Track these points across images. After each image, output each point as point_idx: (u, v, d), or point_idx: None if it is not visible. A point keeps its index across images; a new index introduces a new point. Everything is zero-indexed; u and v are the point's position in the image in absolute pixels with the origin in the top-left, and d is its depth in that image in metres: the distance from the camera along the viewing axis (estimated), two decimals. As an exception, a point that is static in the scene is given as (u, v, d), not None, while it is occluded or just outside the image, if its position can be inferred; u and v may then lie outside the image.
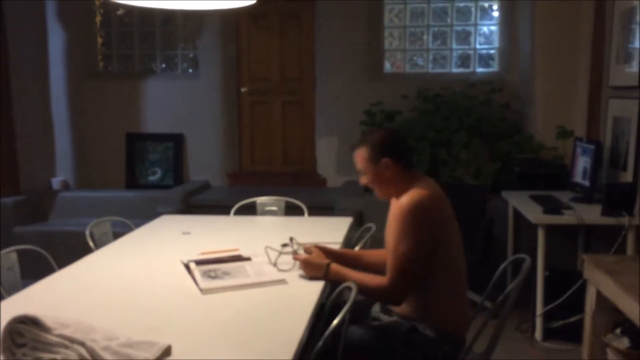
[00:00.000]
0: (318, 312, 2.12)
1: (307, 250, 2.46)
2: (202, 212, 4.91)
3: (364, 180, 2.34)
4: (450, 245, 2.23)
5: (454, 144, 4.81)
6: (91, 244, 3.07)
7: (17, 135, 5.21)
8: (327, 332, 1.78)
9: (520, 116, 5.17)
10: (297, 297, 2.20)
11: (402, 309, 2.31)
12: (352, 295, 1.97)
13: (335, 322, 1.80)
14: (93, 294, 2.25)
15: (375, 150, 2.27)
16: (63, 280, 2.40)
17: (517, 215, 4.37)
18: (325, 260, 2.35)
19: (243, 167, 5.90)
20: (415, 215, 2.13)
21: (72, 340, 1.52)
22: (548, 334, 3.71)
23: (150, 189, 5.68)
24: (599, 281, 2.74)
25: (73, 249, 3.04)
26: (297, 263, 2.42)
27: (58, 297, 2.19)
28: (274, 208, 3.68)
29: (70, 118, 5.76)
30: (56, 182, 5.72)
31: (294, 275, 2.39)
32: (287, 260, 2.49)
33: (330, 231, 3.13)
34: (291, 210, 3.76)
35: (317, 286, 2.28)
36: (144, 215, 4.78)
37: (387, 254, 2.30)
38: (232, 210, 3.65)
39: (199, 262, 2.55)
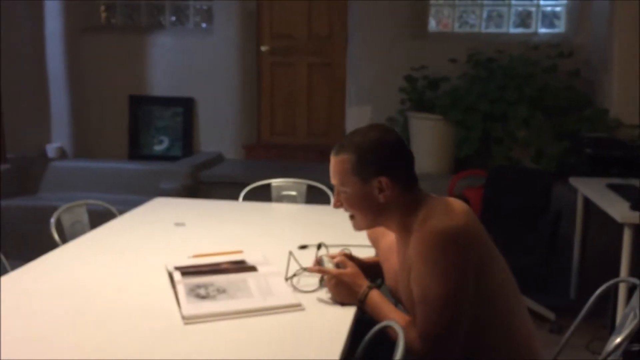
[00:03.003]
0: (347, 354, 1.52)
1: (341, 264, 1.78)
2: (212, 189, 4.51)
3: (338, 202, 1.66)
4: (496, 274, 1.59)
5: (511, 118, 4.17)
6: (56, 236, 2.40)
7: (3, 97, 4.57)
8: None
9: (592, 86, 4.46)
10: (318, 332, 1.59)
11: None
12: (400, 349, 1.34)
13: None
14: (28, 318, 1.63)
15: (366, 162, 1.58)
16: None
17: (587, 206, 3.67)
18: (366, 282, 1.70)
19: (261, 138, 5.30)
20: (453, 244, 1.48)
21: None
22: (627, 359, 3.00)
23: (156, 160, 5.10)
24: None
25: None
26: (324, 280, 1.78)
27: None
28: (293, 193, 3.00)
29: (67, 77, 5.11)
30: (51, 150, 5.12)
31: (314, 298, 1.76)
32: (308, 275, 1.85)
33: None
34: (314, 195, 3.05)
35: (347, 316, 1.65)
36: (145, 191, 4.45)
37: (406, 302, 1.65)
38: (241, 195, 2.97)
39: (186, 272, 1.93)
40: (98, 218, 2.66)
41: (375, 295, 1.66)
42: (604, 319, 3.09)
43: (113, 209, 2.78)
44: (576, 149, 3.98)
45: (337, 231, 2.30)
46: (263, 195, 3.07)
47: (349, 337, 1.55)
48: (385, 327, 1.51)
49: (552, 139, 4.15)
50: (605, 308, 3.02)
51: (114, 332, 1.56)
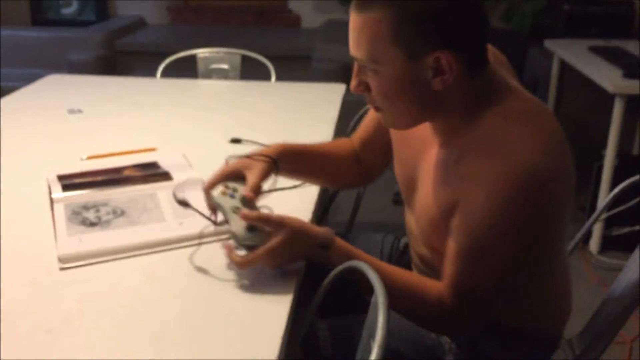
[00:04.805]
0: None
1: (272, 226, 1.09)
2: (131, 61, 4.01)
3: (361, 85, 1.02)
4: (556, 238, 1.12)
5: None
6: None
7: None
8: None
9: None
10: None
11: None
12: (382, 317, 0.83)
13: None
14: None
15: (417, 26, 0.93)
16: None
17: (563, 73, 3.29)
18: (318, 230, 1.07)
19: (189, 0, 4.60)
20: (535, 194, 0.95)
21: None
22: (607, 244, 2.77)
23: (64, 26, 4.39)
24: None
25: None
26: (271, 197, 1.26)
27: None
28: (224, 66, 2.43)
29: None
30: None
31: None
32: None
33: (314, 107, 1.95)
34: (251, 68, 2.50)
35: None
36: (51, 63, 3.84)
37: (425, 222, 1.10)
38: (159, 70, 2.38)
39: (70, 185, 1.40)
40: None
41: (341, 246, 1.07)
42: (580, 197, 2.79)
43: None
44: (552, 7, 3.51)
45: (280, 115, 1.82)
46: (188, 69, 2.50)
47: (298, 283, 1.08)
48: (354, 272, 1.01)
49: (524, -5, 3.65)
50: (582, 186, 2.71)
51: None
